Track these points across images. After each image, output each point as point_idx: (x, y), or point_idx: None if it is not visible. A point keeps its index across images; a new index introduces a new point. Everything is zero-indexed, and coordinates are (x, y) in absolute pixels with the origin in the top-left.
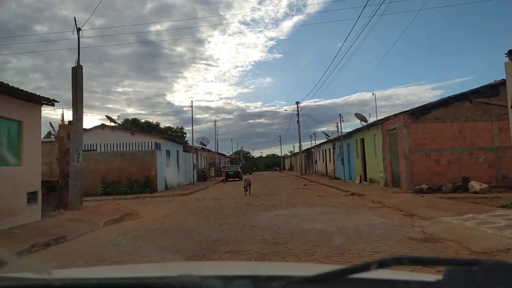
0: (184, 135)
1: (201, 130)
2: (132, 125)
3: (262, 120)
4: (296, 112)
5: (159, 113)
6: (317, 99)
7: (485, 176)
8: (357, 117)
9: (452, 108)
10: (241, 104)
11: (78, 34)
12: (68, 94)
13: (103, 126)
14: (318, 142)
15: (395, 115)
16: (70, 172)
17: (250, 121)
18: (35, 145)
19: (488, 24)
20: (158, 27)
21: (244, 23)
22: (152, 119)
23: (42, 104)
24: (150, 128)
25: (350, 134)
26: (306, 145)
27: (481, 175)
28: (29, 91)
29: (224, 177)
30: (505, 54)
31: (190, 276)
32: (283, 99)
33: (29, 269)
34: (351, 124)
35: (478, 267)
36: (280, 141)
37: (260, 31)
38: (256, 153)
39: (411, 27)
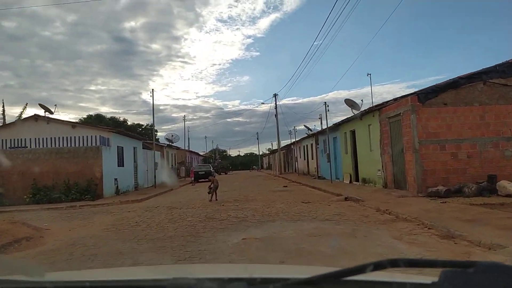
0: (156, 133)
1: (178, 129)
2: (96, 122)
3: (240, 119)
4: (274, 105)
5: (134, 111)
6: (294, 97)
7: None
8: (347, 104)
9: (463, 90)
10: (218, 103)
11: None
12: (40, 94)
13: (36, 117)
14: (299, 138)
15: (395, 99)
16: None
17: (228, 119)
18: None
19: (460, 23)
20: (132, 23)
21: (221, 20)
22: (127, 118)
23: None
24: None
25: (337, 126)
26: (285, 143)
27: (508, 172)
28: None
29: (192, 178)
30: None
31: (185, 279)
32: (261, 97)
33: (21, 272)
34: (330, 122)
35: (473, 268)
36: (257, 139)
37: (237, 29)
38: (234, 152)
39: (388, 25)
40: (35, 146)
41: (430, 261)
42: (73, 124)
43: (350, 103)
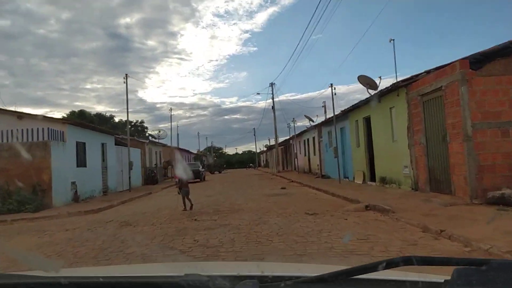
0: (145, 130)
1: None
2: (79, 117)
3: (237, 116)
4: (271, 96)
5: (131, 110)
6: (293, 93)
7: None
8: (361, 82)
9: None
10: (216, 100)
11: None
12: (35, 93)
13: None
14: (299, 132)
15: (427, 71)
16: None
17: (226, 116)
18: None
19: (440, 24)
20: (127, 19)
21: (217, 15)
22: (123, 117)
23: None
24: (102, 122)
25: (345, 113)
26: (284, 139)
27: None
28: None
29: (177, 180)
30: None
31: (197, 275)
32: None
33: (37, 267)
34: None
35: (487, 266)
36: (254, 134)
37: (234, 24)
38: (231, 150)
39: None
40: None
41: (444, 259)
42: (19, 115)
43: (365, 80)
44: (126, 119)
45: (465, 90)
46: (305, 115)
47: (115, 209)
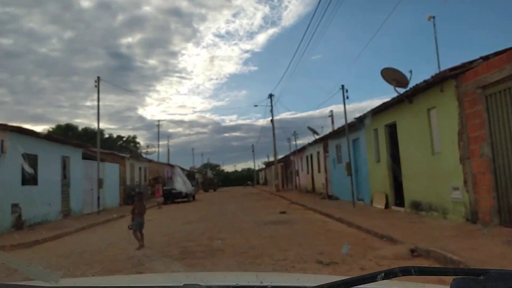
0: (137, 145)
1: (175, 145)
2: (65, 131)
3: (237, 134)
4: (270, 108)
5: (130, 127)
6: (293, 112)
7: None
8: (384, 78)
9: None
10: (215, 118)
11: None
12: (35, 110)
13: None
14: (300, 147)
15: (484, 57)
16: None
17: (225, 134)
18: None
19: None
20: (129, 39)
21: (218, 35)
22: (123, 133)
23: None
24: (90, 137)
25: (361, 121)
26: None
27: None
28: None
29: (158, 199)
30: None
31: (196, 285)
32: (258, 112)
33: (36, 277)
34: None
35: (485, 276)
36: (253, 151)
37: (235, 44)
38: (230, 167)
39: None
40: None
41: (442, 269)
42: None
43: (391, 75)
44: (117, 134)
45: None
46: (308, 127)
47: (56, 242)
